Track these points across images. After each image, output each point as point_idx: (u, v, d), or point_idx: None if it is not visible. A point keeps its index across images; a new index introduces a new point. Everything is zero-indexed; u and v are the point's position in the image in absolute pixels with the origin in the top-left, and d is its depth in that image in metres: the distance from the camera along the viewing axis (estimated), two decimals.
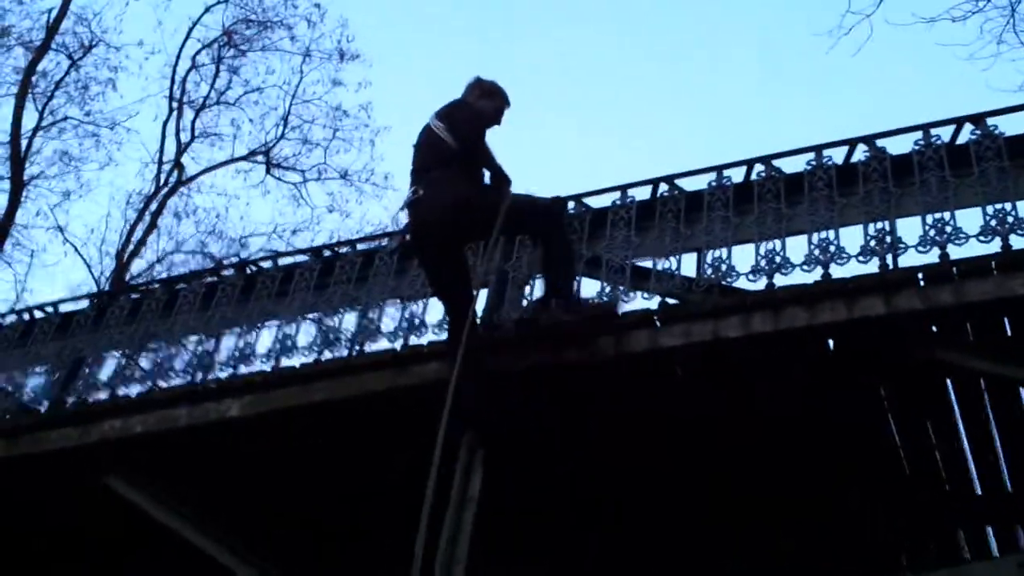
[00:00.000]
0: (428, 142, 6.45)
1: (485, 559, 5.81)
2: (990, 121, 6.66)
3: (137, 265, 20.38)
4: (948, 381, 6.44)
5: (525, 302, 7.18)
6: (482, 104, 6.62)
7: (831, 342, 6.23)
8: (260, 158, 22.13)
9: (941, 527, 7.27)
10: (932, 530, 7.26)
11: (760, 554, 7.17)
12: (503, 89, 6.77)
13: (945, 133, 6.76)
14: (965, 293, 5.94)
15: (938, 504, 7.09)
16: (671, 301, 6.71)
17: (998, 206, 6.28)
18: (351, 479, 7.18)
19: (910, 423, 6.66)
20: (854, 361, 6.24)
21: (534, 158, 40.71)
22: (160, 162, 21.19)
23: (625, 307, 6.83)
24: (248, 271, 8.57)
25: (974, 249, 6.13)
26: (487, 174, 6.53)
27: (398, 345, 7.13)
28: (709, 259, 6.83)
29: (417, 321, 7.25)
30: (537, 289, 7.26)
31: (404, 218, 6.51)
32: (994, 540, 7.34)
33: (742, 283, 6.64)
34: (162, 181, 21.20)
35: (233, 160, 21.95)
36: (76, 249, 20.65)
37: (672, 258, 6.95)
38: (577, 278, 6.82)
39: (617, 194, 7.45)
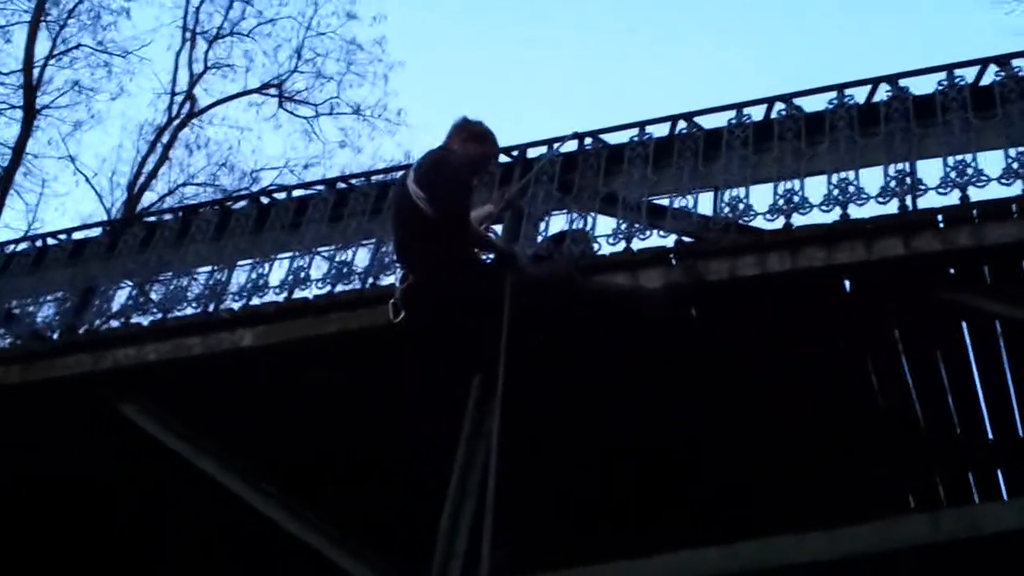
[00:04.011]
0: (409, 212, 5.80)
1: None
2: (1015, 63, 6.59)
3: (148, 197, 20.41)
4: (963, 324, 6.42)
5: (540, 238, 7.17)
6: (469, 150, 6.03)
7: (848, 283, 6.21)
8: (273, 91, 22.11)
9: (952, 470, 7.29)
10: (942, 473, 7.28)
11: (770, 496, 7.18)
12: (492, 133, 6.23)
13: (969, 75, 6.69)
14: (984, 236, 5.91)
15: (949, 447, 7.10)
16: (687, 239, 6.68)
17: (1021, 149, 6.22)
18: (363, 411, 7.19)
19: (924, 366, 6.64)
20: (870, 302, 6.21)
21: (553, 90, 40.67)
22: (172, 93, 21.19)
23: (641, 244, 6.82)
24: (262, 202, 8.54)
25: (995, 192, 6.10)
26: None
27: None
28: (726, 198, 6.78)
29: None
30: (552, 225, 7.26)
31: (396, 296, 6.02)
32: (1004, 484, 7.37)
33: (760, 223, 6.60)
34: (174, 112, 21.21)
35: (246, 92, 21.93)
36: (87, 179, 20.70)
37: (689, 196, 6.90)
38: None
39: (635, 131, 7.39)
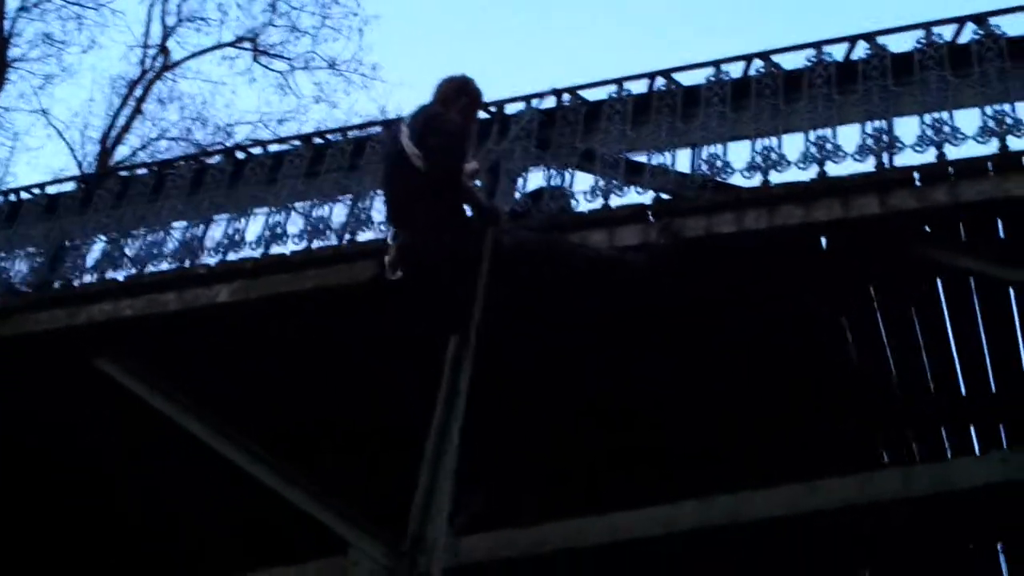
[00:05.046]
0: (403, 169, 5.79)
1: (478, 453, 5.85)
2: (992, 21, 6.60)
3: (121, 151, 20.23)
4: (938, 281, 6.47)
5: (518, 195, 7.17)
6: (462, 108, 5.99)
7: (824, 240, 6.24)
8: (247, 45, 21.87)
9: (925, 426, 7.37)
10: (916, 428, 7.35)
11: (742, 453, 7.23)
12: (479, 90, 6.20)
13: (947, 33, 6.70)
14: (960, 193, 5.95)
15: (923, 403, 7.17)
16: (665, 196, 6.69)
17: (997, 107, 6.25)
18: (341, 368, 7.19)
19: (898, 323, 6.70)
20: (846, 260, 6.25)
21: (530, 47, 40.48)
22: (145, 46, 20.96)
23: (619, 201, 6.82)
24: (237, 157, 8.49)
25: (971, 150, 6.13)
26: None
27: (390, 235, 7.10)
28: (704, 155, 6.79)
29: None
30: (530, 182, 7.26)
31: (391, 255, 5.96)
32: (976, 439, 7.46)
33: (737, 180, 6.62)
34: (147, 66, 20.97)
35: (220, 46, 21.68)
36: (60, 133, 20.50)
37: (667, 153, 6.90)
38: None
39: (613, 87, 7.37)
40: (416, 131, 5.78)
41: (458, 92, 6.08)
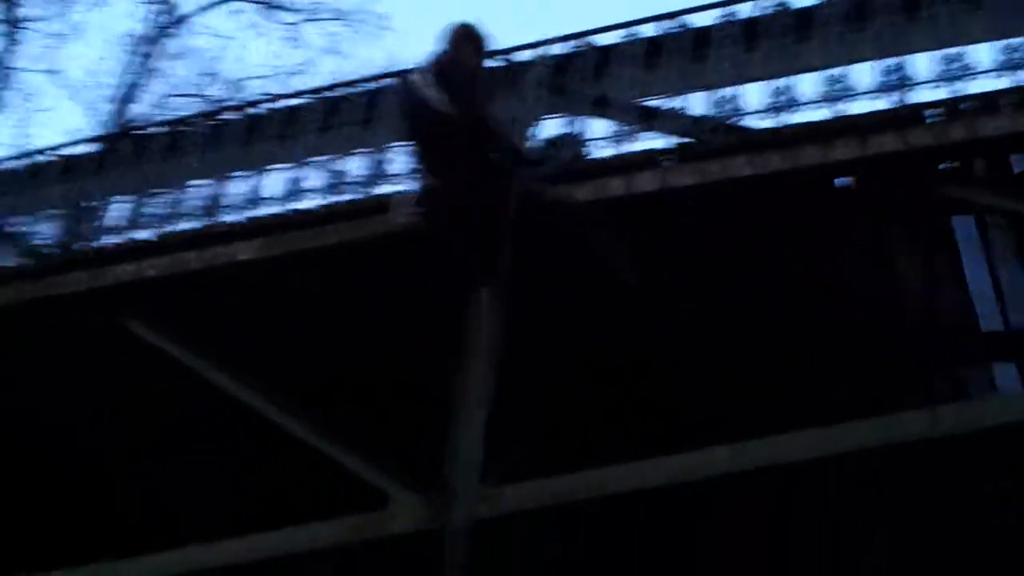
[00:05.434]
0: (431, 117, 5.84)
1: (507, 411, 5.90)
2: None
3: (135, 110, 20.19)
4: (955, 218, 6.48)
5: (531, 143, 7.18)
6: (471, 55, 6.05)
7: (844, 180, 6.25)
8: None
9: (950, 365, 7.38)
10: (940, 369, 7.36)
11: (772, 396, 7.26)
12: (485, 35, 6.19)
13: None
14: (977, 129, 5.95)
15: (946, 342, 7.19)
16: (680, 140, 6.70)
17: (1010, 41, 6.23)
18: (365, 323, 7.24)
19: (921, 261, 6.71)
20: (866, 199, 6.26)
21: None
22: (152, 1, 20.82)
23: (632, 146, 6.83)
24: (251, 113, 8.51)
25: (987, 85, 6.12)
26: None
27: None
28: (718, 98, 6.79)
29: None
30: (543, 130, 7.27)
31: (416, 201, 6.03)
32: (999, 377, 7.48)
33: (752, 122, 6.62)
34: (155, 22, 20.86)
35: (227, 0, 21.55)
36: (72, 93, 20.47)
37: (681, 97, 6.90)
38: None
39: (623, 31, 7.36)
40: (436, 78, 5.83)
41: (465, 39, 6.12)
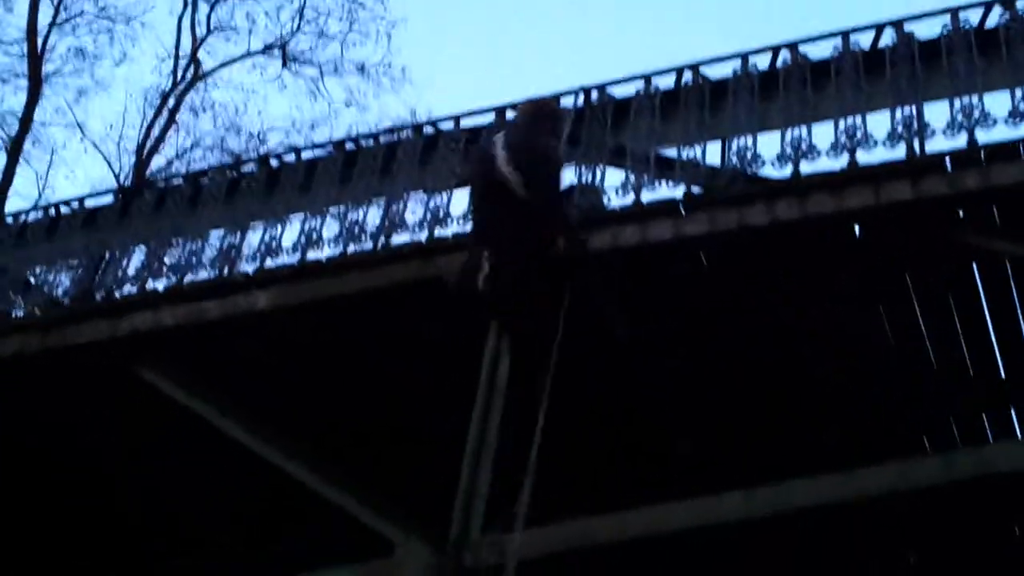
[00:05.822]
0: (499, 192, 5.57)
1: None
2: (1020, 4, 6.58)
3: (156, 161, 20.42)
4: (974, 265, 6.45)
5: None
6: (549, 133, 5.84)
7: (857, 228, 6.23)
8: (276, 52, 22.01)
9: (965, 411, 7.34)
10: (956, 414, 7.32)
11: (785, 441, 7.24)
12: (565, 112, 6.15)
13: (974, 17, 6.68)
14: (991, 177, 5.94)
15: (962, 388, 7.15)
16: (696, 190, 6.71)
17: None
18: (380, 371, 7.26)
19: (935, 309, 6.68)
20: (881, 248, 6.24)
21: (558, 44, 40.45)
22: (176, 57, 21.13)
23: (650, 196, 6.83)
24: (271, 164, 8.57)
25: (1002, 134, 6.11)
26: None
27: (423, 237, 7.16)
28: (734, 147, 6.80)
29: (442, 213, 7.27)
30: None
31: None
32: (1018, 423, 7.43)
33: (768, 171, 6.62)
34: (179, 77, 21.16)
35: (249, 55, 21.84)
36: (95, 145, 20.71)
37: (697, 147, 6.92)
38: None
39: (641, 83, 7.39)
40: (513, 155, 5.61)
41: (546, 116, 6.01)
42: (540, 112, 6.04)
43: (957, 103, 6.30)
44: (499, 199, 5.63)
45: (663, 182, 6.87)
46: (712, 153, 6.90)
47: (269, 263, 7.63)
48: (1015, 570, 7.04)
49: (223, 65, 21.70)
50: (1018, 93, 6.22)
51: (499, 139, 5.85)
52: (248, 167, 8.86)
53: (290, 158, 8.60)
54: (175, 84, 21.03)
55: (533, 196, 5.49)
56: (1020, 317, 6.73)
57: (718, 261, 6.41)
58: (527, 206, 5.50)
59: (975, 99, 6.27)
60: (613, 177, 7.04)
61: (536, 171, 5.57)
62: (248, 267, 7.74)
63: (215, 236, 8.25)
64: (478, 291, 5.60)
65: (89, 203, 9.23)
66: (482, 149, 6.19)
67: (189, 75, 21.28)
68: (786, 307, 6.63)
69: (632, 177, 6.95)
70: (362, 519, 6.30)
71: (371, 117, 21.86)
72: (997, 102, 6.27)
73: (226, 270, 7.76)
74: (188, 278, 7.85)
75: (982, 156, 6.00)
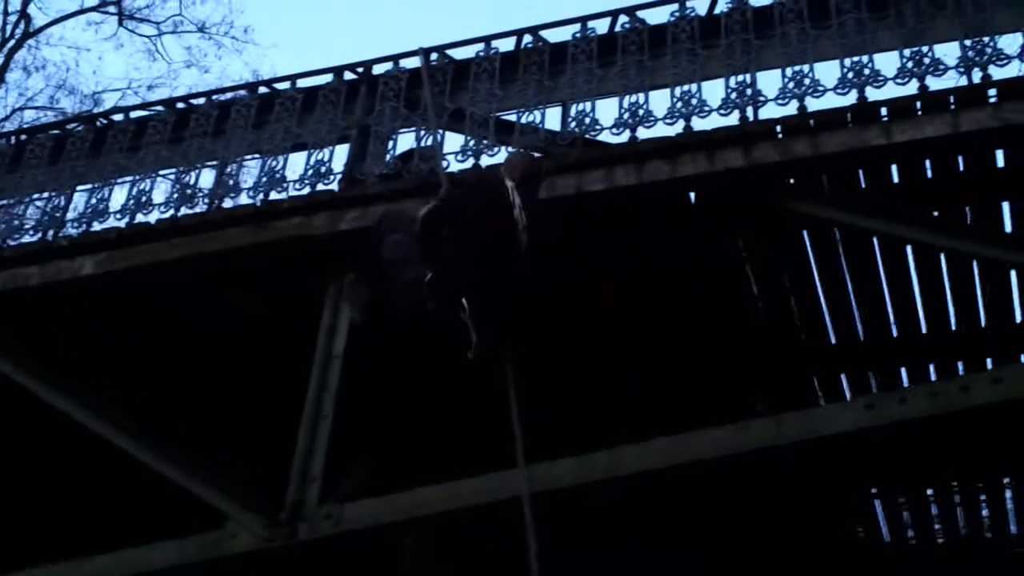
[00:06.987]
0: (501, 224, 5.54)
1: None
2: None
3: None
4: (804, 232, 6.57)
5: (388, 157, 7.11)
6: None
7: (692, 194, 6.28)
8: (112, 9, 21.32)
9: (796, 375, 7.51)
10: (788, 378, 7.48)
11: (618, 403, 7.28)
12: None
13: None
14: (821, 144, 6.04)
15: (793, 353, 7.31)
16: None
17: (856, 59, 6.34)
18: (215, 339, 7.07)
19: (767, 274, 6.80)
20: (715, 213, 6.31)
21: (399, 6, 40.09)
22: (5, 13, 20.24)
23: (489, 161, 6.78)
24: (99, 124, 8.26)
25: (832, 102, 6.22)
26: None
27: (258, 200, 6.99)
28: (573, 112, 6.79)
29: (277, 176, 7.10)
30: (400, 144, 7.20)
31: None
32: (847, 387, 7.64)
33: (606, 137, 6.63)
34: (8, 33, 20.29)
35: (83, 11, 21.10)
36: None
37: (536, 111, 6.89)
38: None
39: (480, 46, 7.33)
40: (525, 198, 5.60)
41: (532, 177, 5.83)
42: (534, 168, 5.91)
43: (789, 71, 6.39)
44: (497, 229, 5.54)
45: (503, 147, 6.83)
46: (552, 118, 6.90)
47: (97, 226, 7.36)
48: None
49: (55, 21, 20.91)
50: (847, 62, 6.33)
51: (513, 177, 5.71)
52: (74, 126, 8.51)
53: (119, 117, 8.30)
54: (4, 41, 20.19)
55: (527, 238, 5.48)
56: (848, 283, 6.90)
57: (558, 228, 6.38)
58: (518, 242, 5.47)
59: (806, 68, 6.37)
60: (453, 142, 6.99)
61: (542, 229, 5.58)
62: (74, 231, 7.47)
63: (39, 198, 7.93)
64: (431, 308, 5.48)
65: None
66: (485, 176, 6.26)
67: (19, 31, 20.45)
68: (619, 274, 6.63)
69: (471, 141, 6.89)
70: (193, 491, 6.14)
71: (212, 78, 21.33)
72: (827, 71, 6.39)
73: (50, 234, 7.46)
74: (8, 242, 7.54)
75: (811, 124, 6.08)
